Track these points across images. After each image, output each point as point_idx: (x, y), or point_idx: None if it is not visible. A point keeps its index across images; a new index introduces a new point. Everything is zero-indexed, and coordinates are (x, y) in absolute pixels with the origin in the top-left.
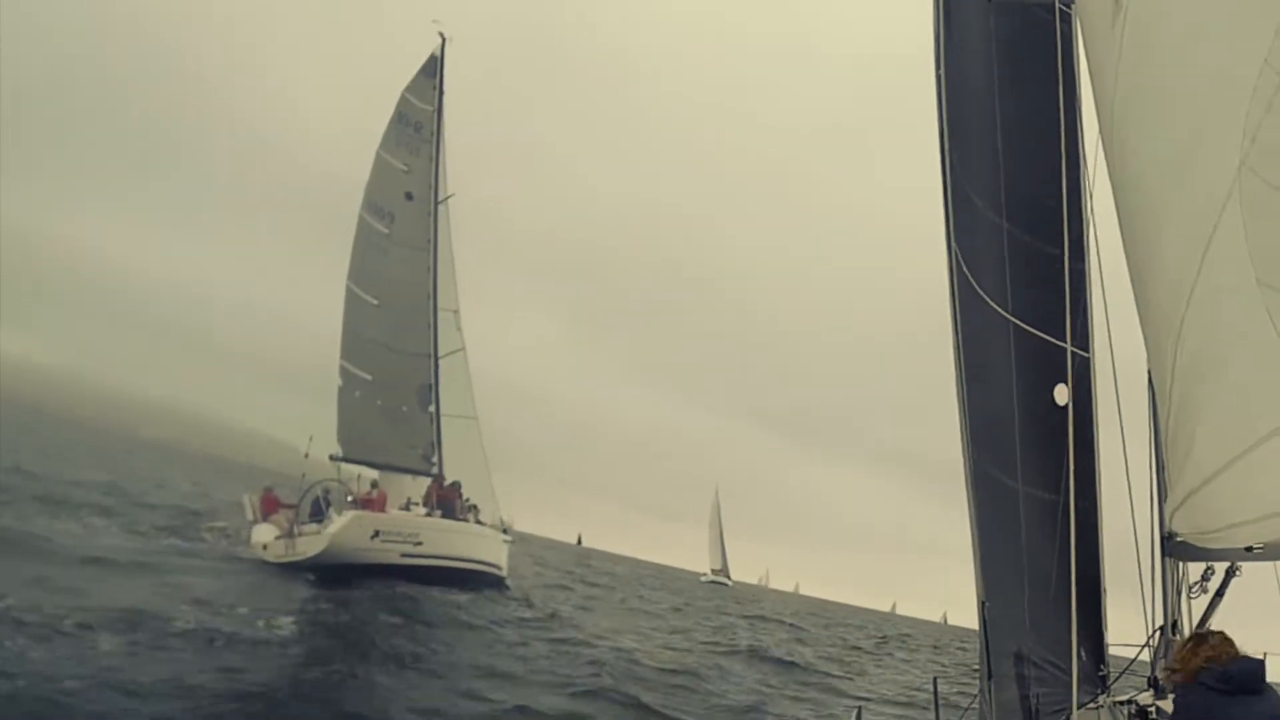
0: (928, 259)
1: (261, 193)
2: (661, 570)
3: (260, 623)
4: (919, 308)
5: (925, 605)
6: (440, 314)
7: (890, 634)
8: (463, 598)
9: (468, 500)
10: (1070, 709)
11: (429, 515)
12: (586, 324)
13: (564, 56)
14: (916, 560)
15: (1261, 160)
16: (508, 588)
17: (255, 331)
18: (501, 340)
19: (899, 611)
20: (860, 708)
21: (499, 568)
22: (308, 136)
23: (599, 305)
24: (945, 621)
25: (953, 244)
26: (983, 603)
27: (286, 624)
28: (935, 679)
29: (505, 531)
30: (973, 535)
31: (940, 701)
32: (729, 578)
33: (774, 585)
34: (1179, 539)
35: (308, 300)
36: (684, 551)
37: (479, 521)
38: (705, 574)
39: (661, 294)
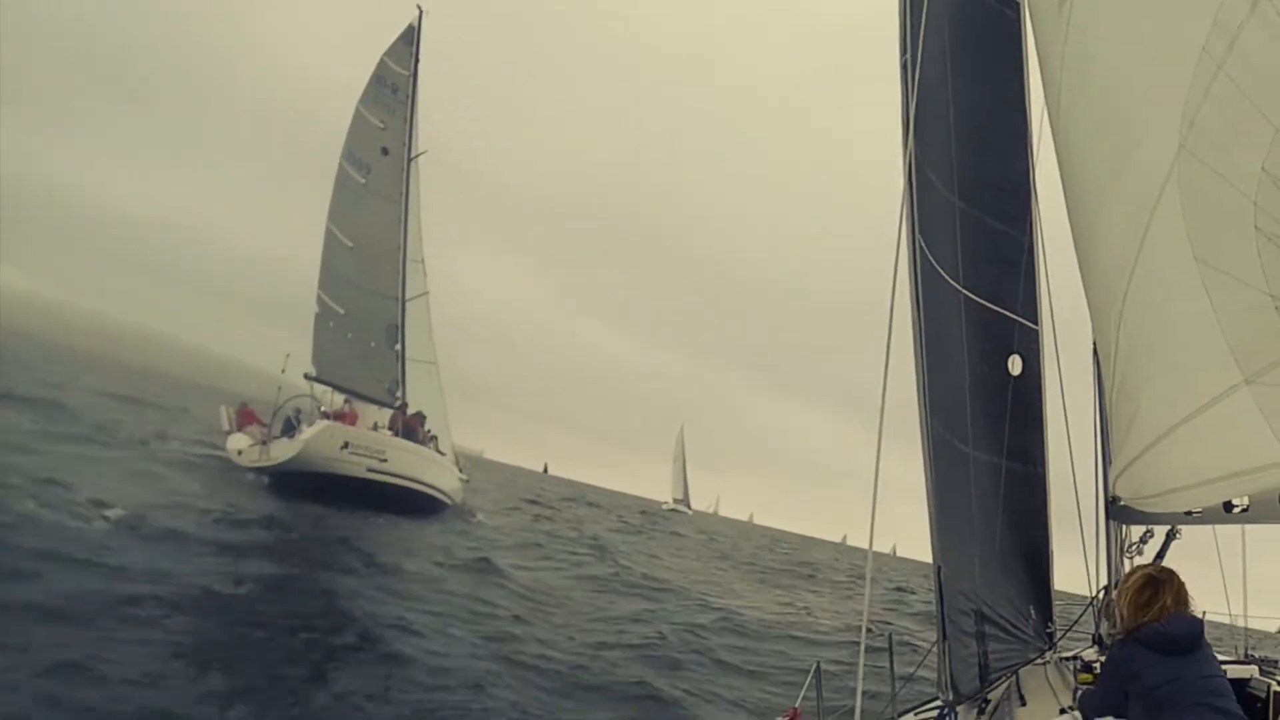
0: (889, 218)
1: (247, 140)
2: (612, 495)
3: (226, 519)
4: (878, 258)
5: (877, 537)
6: (409, 264)
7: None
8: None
9: (429, 431)
10: (1019, 665)
11: (395, 437)
12: (558, 270)
13: (541, 10)
14: (868, 494)
15: (1199, 144)
16: (458, 510)
17: (237, 268)
18: (478, 285)
19: (850, 543)
20: (818, 662)
21: (451, 496)
22: (293, 90)
23: (569, 251)
24: (894, 553)
25: (912, 219)
26: (937, 566)
27: (252, 521)
28: (890, 634)
29: (460, 468)
30: (928, 499)
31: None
32: (689, 507)
33: (727, 514)
34: (1122, 503)
35: (288, 241)
36: (647, 482)
37: (438, 450)
38: (667, 502)
39: (629, 240)
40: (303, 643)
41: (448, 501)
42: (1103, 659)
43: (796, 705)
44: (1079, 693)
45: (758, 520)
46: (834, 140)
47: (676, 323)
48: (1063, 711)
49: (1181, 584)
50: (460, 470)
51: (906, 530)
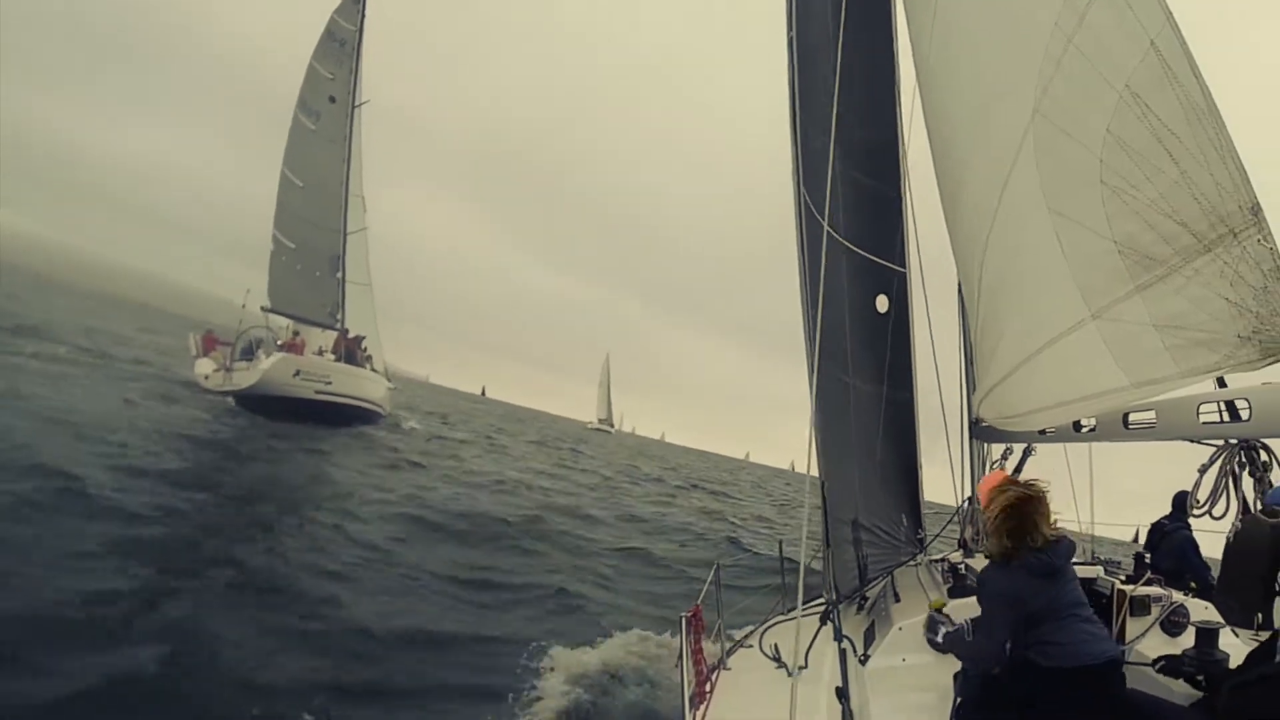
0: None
1: (212, 92)
2: (540, 415)
3: (195, 430)
4: (779, 205)
5: (776, 454)
6: (350, 199)
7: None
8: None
9: (365, 351)
10: (894, 568)
11: (337, 361)
12: (489, 211)
13: None
14: (768, 415)
15: (1052, 108)
16: (385, 418)
17: (207, 210)
18: (415, 223)
19: (752, 459)
20: (718, 563)
21: (382, 407)
22: (252, 47)
23: (499, 195)
24: (793, 469)
25: (799, 177)
26: (822, 481)
27: (223, 430)
28: (780, 541)
29: (389, 380)
30: (814, 422)
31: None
32: (612, 426)
33: (643, 433)
34: (984, 424)
35: (249, 185)
36: (574, 403)
37: (373, 369)
38: (592, 422)
39: (553, 186)
40: (257, 511)
41: (379, 410)
42: (967, 561)
43: (699, 603)
44: (940, 633)
45: (669, 439)
46: (734, 105)
47: (597, 260)
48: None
49: (1048, 504)
50: (389, 380)
51: (764, 440)
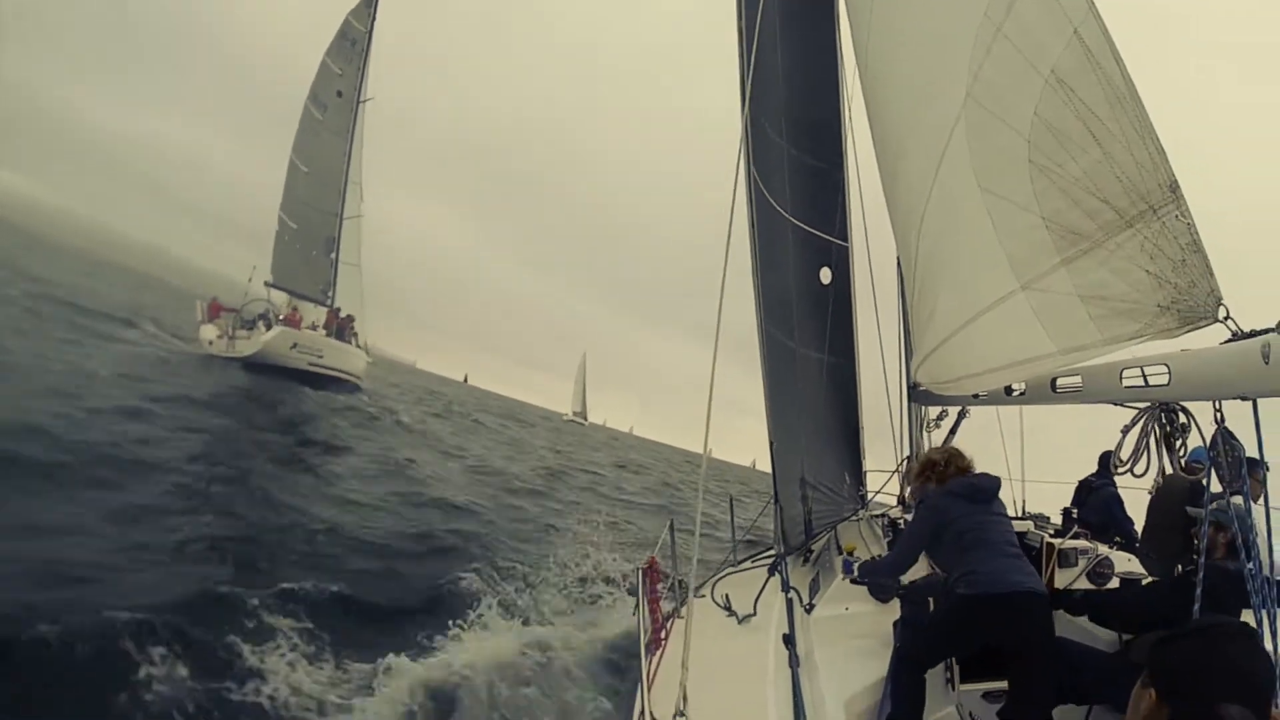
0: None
1: (228, 88)
2: (515, 404)
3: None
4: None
5: (737, 452)
6: (349, 186)
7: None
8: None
9: (354, 329)
10: (837, 522)
11: (328, 336)
12: (482, 207)
13: None
14: (731, 415)
15: (983, 93)
16: (362, 390)
17: (218, 192)
18: (409, 217)
19: (715, 456)
20: (672, 520)
21: (360, 375)
22: (271, 47)
23: (486, 195)
24: (754, 466)
25: (749, 161)
26: (771, 442)
27: (228, 393)
28: (731, 498)
29: (368, 354)
30: (764, 387)
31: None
32: (585, 419)
33: (612, 426)
34: (921, 388)
35: (258, 171)
36: (551, 396)
37: (358, 345)
38: (567, 414)
39: (535, 188)
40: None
41: (359, 381)
42: (906, 516)
43: (654, 554)
44: (851, 566)
45: (636, 432)
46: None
47: (580, 263)
48: (840, 554)
49: (961, 453)
50: (368, 354)
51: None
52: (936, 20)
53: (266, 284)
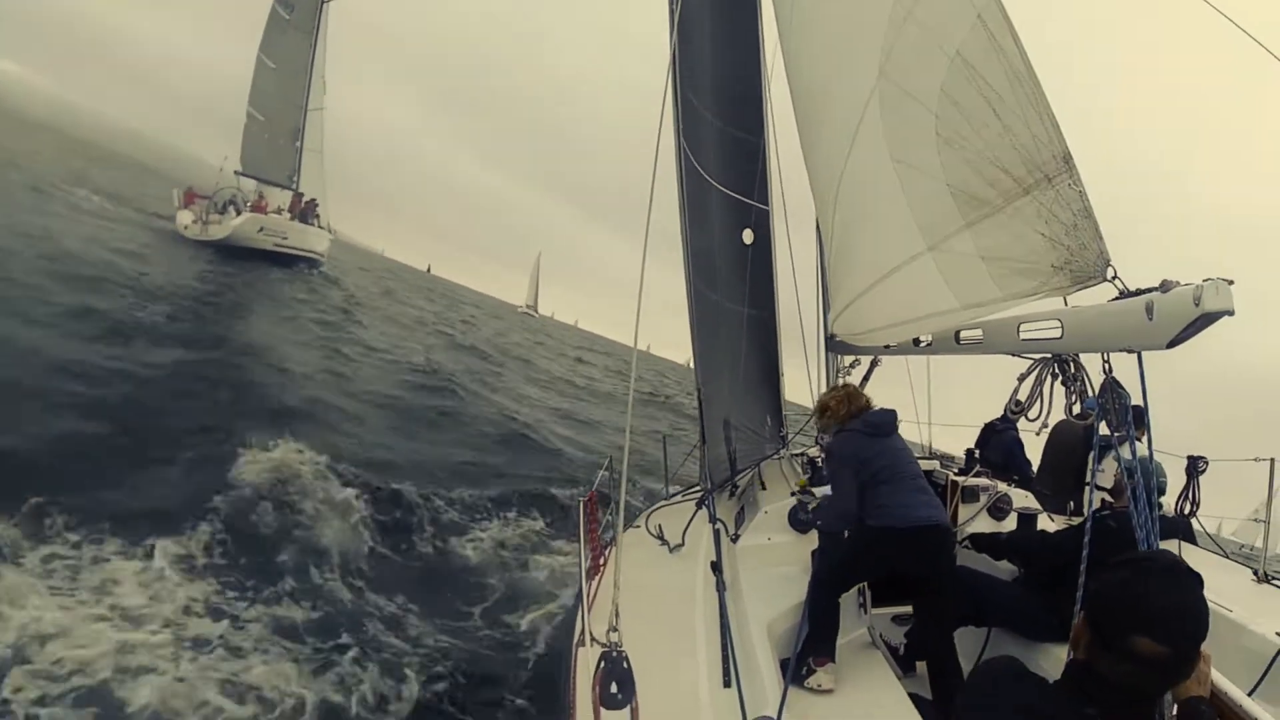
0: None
1: None
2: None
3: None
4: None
5: (672, 349)
6: (314, 79)
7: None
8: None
9: (317, 212)
10: (760, 460)
11: (292, 219)
12: (448, 106)
13: None
14: (666, 316)
15: (894, 69)
16: (323, 267)
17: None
18: (378, 116)
19: (653, 352)
20: (611, 457)
21: (323, 254)
22: None
23: (459, 94)
24: (688, 365)
25: (679, 133)
26: (699, 387)
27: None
28: (664, 437)
29: (330, 232)
30: (691, 337)
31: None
32: (537, 310)
33: (560, 319)
34: (838, 339)
35: (233, 66)
36: (506, 288)
37: (319, 226)
38: (520, 306)
39: (493, 91)
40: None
41: (321, 259)
42: (822, 455)
43: (594, 489)
44: (808, 511)
45: (581, 325)
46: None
47: (540, 165)
48: (793, 494)
49: (859, 390)
50: (330, 233)
51: (661, 337)
52: (852, 4)
53: (236, 172)
